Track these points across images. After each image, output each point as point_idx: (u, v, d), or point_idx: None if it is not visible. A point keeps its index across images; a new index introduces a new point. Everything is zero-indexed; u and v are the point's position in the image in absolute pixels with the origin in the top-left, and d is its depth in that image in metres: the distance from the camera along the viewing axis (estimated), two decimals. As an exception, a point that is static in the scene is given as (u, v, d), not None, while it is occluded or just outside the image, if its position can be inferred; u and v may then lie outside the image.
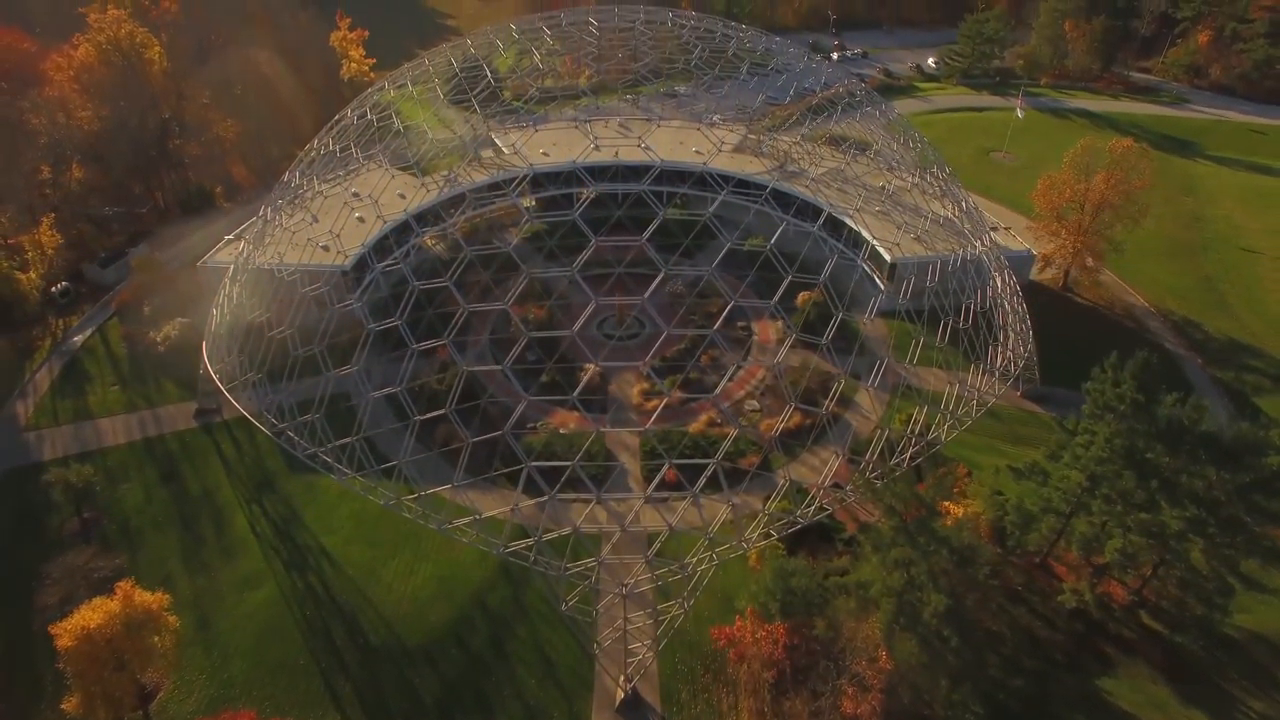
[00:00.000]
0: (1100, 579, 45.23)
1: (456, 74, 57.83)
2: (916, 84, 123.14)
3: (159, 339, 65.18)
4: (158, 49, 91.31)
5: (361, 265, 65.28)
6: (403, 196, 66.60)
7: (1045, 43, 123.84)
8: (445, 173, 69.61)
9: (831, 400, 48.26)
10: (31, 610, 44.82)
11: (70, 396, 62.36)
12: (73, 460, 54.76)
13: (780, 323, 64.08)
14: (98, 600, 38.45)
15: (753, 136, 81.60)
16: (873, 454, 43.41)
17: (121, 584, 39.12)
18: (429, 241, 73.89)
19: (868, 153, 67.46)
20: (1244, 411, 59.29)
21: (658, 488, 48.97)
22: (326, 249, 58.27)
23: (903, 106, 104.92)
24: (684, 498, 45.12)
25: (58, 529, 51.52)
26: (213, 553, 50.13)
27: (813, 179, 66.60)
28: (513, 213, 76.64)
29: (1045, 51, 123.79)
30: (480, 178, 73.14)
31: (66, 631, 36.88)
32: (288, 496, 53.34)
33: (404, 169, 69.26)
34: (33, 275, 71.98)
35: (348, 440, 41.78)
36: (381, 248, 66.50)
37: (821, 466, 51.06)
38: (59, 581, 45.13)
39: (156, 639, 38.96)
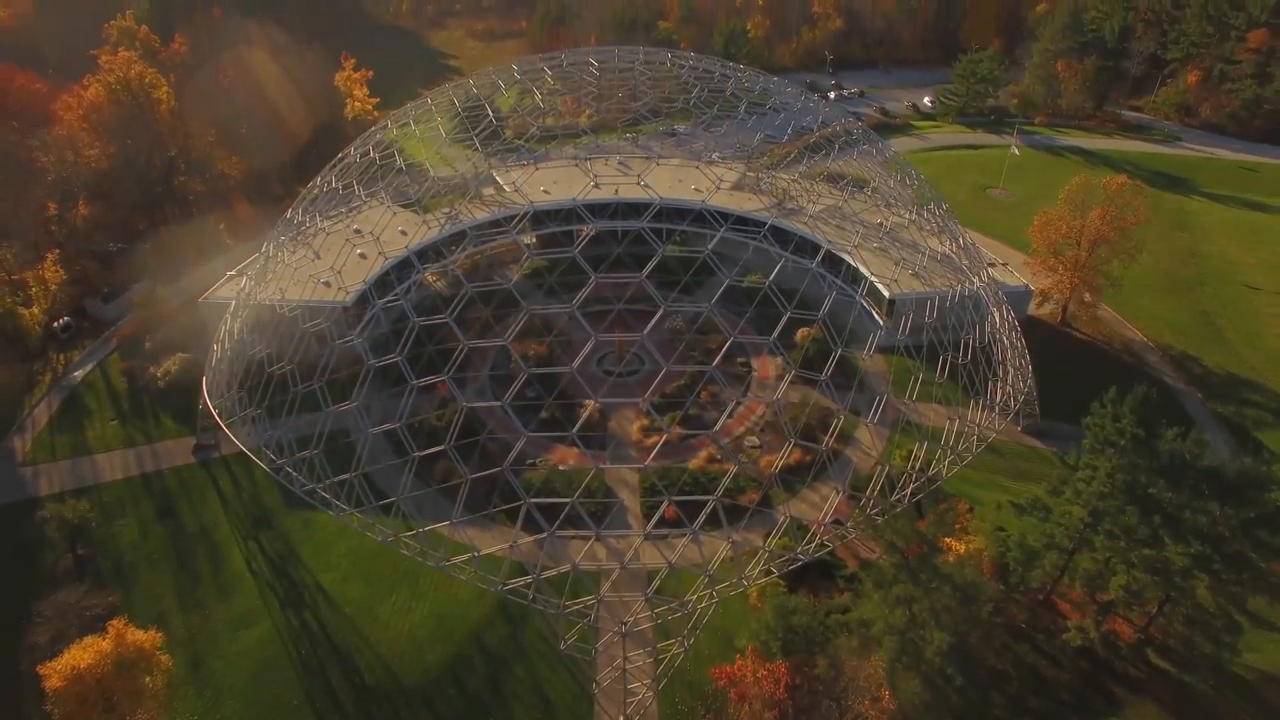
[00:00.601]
0: (1105, 616, 44.65)
1: (459, 113, 58.75)
2: (913, 122, 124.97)
3: (159, 374, 65.27)
4: (166, 88, 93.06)
5: (362, 301, 65.63)
6: (404, 233, 67.22)
7: (1038, 82, 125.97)
8: (447, 210, 70.39)
9: (831, 436, 48.16)
10: (20, 649, 44.08)
11: (68, 431, 62.22)
12: (69, 496, 54.54)
13: (779, 359, 64.16)
14: (89, 639, 37.94)
15: (751, 174, 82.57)
16: (873, 490, 43.20)
17: (114, 622, 38.66)
18: (430, 278, 74.40)
19: (865, 190, 68.19)
20: (1246, 446, 59.10)
21: (657, 525, 48.66)
22: (328, 285, 58.68)
23: (899, 144, 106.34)
24: (684, 535, 44.88)
25: (51, 566, 51.04)
26: (208, 590, 49.60)
27: (811, 216, 67.22)
28: (513, 250, 77.24)
29: (1039, 91, 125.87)
30: (481, 215, 73.90)
31: (56, 672, 36.31)
32: (285, 533, 52.94)
33: (406, 206, 70.05)
34: (35, 311, 72.38)
35: (346, 476, 41.62)
36: (383, 284, 66.93)
37: (822, 503, 50.76)
38: (50, 620, 44.48)
39: (148, 679, 38.36)
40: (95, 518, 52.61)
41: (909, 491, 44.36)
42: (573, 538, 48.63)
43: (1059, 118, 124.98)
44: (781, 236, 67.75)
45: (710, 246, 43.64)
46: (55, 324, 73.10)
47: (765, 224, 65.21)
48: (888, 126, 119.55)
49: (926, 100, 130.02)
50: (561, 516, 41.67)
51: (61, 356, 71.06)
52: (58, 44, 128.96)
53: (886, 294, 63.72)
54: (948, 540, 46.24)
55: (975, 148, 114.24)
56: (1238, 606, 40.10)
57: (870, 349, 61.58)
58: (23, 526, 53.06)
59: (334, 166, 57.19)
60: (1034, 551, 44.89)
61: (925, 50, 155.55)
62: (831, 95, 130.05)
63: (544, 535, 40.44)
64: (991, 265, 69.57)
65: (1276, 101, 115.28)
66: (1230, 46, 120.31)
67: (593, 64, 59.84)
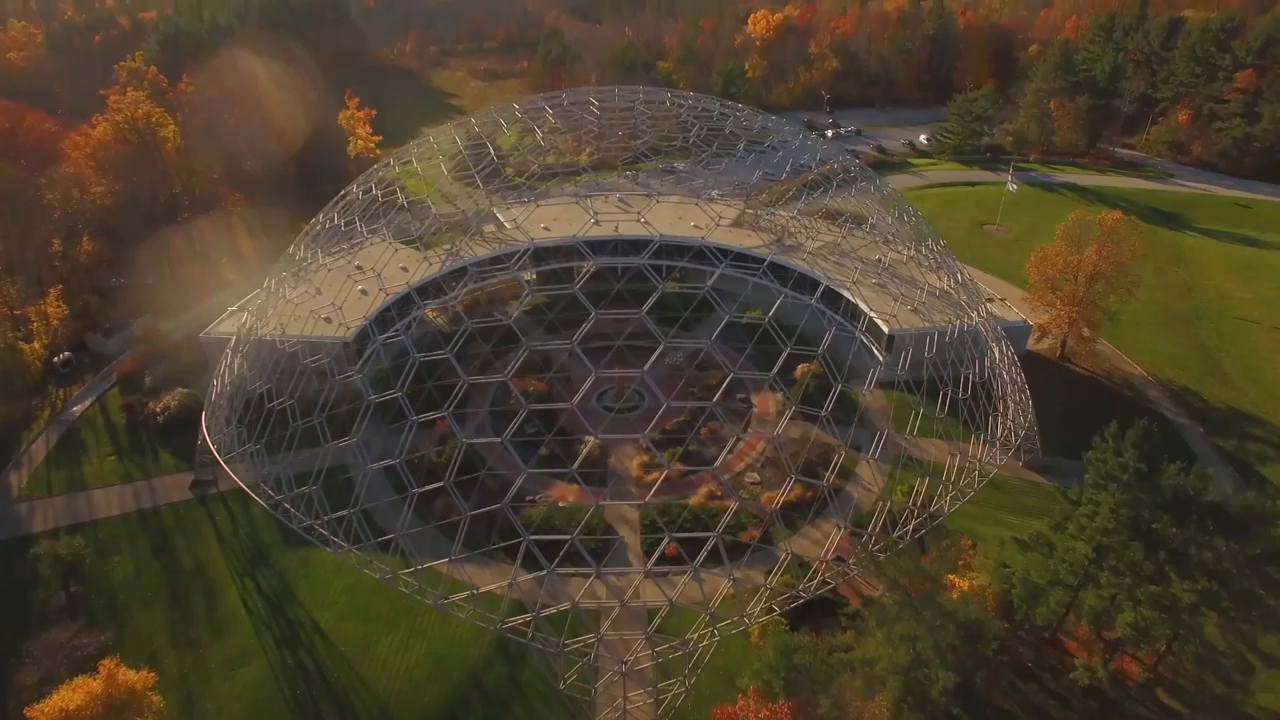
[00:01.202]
0: (1113, 655, 44.02)
1: (461, 151, 59.56)
2: (910, 160, 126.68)
3: (158, 409, 65.15)
4: (172, 127, 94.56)
5: (363, 337, 65.79)
6: (405, 270, 67.62)
7: (1032, 120, 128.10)
8: (448, 246, 70.87)
9: (832, 472, 47.96)
10: (8, 691, 43.35)
11: (65, 467, 61.89)
12: (64, 532, 54.09)
13: (780, 395, 64.13)
14: (79, 680, 37.39)
15: (750, 211, 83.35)
16: (875, 526, 42.89)
17: (105, 662, 38.11)
18: (430, 314, 74.69)
19: (864, 226, 68.80)
20: (1249, 481, 58.82)
21: (658, 562, 48.15)
22: (329, 321, 58.94)
23: (896, 182, 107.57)
24: (684, 572, 44.38)
25: (42, 604, 50.34)
26: (202, 629, 48.90)
27: (810, 252, 67.67)
28: (514, 286, 77.66)
29: (1033, 129, 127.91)
30: (482, 252, 74.43)
31: (44, 714, 35.71)
32: (281, 570, 52.36)
33: (407, 243, 70.61)
34: (36, 346, 72.49)
35: (344, 513, 41.34)
36: (383, 320, 67.14)
37: (823, 540, 50.30)
38: (39, 660, 43.74)
39: (139, 721, 37.68)
40: (89, 554, 52.09)
41: (911, 528, 44.04)
42: (572, 575, 48.11)
43: (1053, 155, 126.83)
44: (780, 273, 68.11)
45: (710, 283, 43.91)
46: (56, 359, 73.18)
47: (764, 260, 65.63)
48: (885, 164, 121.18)
49: (923, 138, 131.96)
50: (561, 554, 41.29)
51: (61, 391, 71.01)
52: (69, 85, 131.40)
53: (886, 329, 63.84)
54: (951, 577, 45.78)
55: (972, 184, 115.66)
56: (1248, 645, 39.52)
57: (870, 384, 61.63)
58: (15, 564, 52.51)
59: (337, 203, 57.82)
60: (1038, 588, 44.39)
61: (920, 90, 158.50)
62: (829, 133, 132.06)
63: (543, 573, 40.04)
64: (990, 300, 69.90)
65: (1266, 140, 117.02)
66: (1218, 86, 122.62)
67: (593, 103, 60.80)
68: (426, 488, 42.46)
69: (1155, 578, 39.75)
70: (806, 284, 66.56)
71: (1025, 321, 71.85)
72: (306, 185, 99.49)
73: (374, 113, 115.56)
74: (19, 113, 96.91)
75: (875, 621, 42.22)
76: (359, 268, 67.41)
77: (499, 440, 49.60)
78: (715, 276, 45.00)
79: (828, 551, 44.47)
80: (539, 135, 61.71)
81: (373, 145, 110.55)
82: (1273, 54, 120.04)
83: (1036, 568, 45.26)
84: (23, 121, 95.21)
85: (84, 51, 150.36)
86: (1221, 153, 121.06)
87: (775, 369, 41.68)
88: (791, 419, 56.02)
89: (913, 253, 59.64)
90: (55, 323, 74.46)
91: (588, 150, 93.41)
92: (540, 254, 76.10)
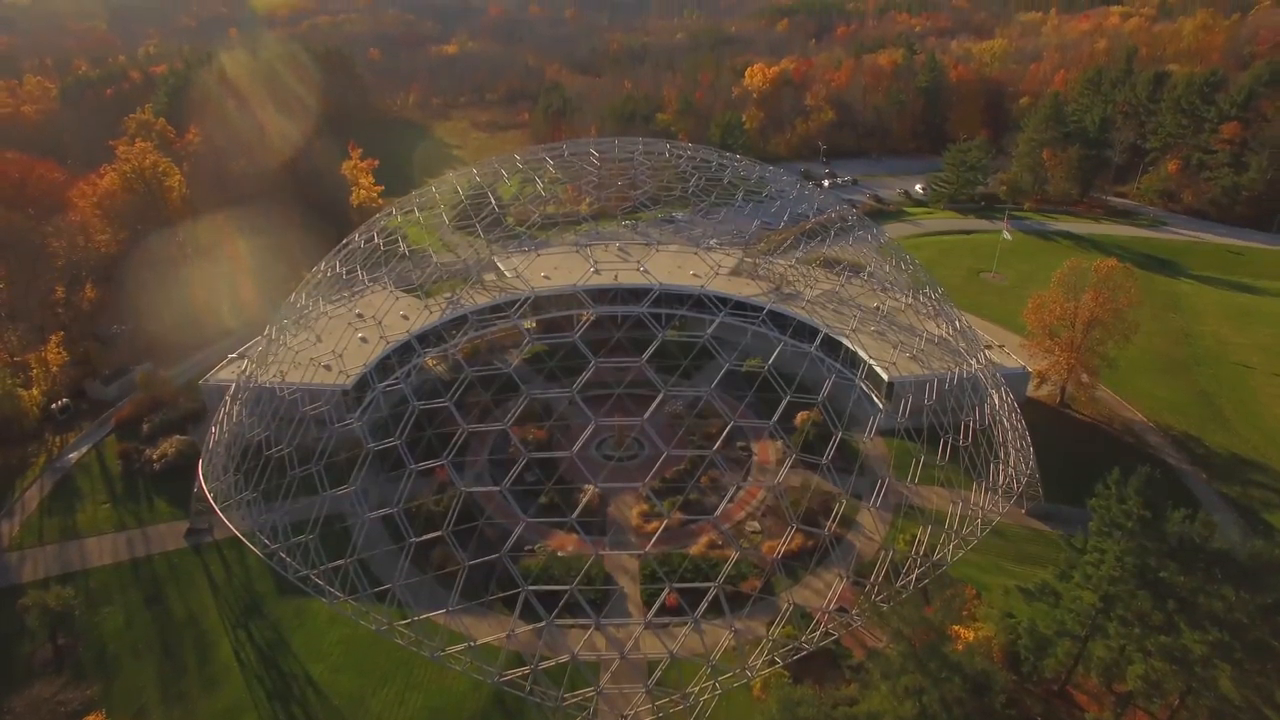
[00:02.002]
0: (1125, 708, 43.02)
1: (462, 200, 60.40)
2: (906, 209, 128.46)
3: (155, 457, 64.80)
4: (178, 177, 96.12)
5: (363, 385, 65.81)
6: (406, 318, 68.01)
7: (1025, 170, 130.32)
8: (448, 295, 71.40)
9: (833, 521, 47.59)
10: (-9, 749, 42.37)
11: (59, 515, 61.30)
12: (54, 582, 53.28)
13: (780, 443, 63.92)
14: (64, 737, 36.51)
15: (749, 260, 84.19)
16: (877, 576, 42.37)
17: (90, 718, 37.21)
18: (430, 362, 74.84)
19: (862, 275, 69.37)
20: (1255, 527, 58.26)
21: (658, 613, 47.38)
22: (329, 368, 59.05)
23: (893, 230, 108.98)
24: (685, 623, 43.67)
25: (28, 657, 49.31)
26: (193, 682, 47.83)
27: (809, 300, 68.16)
28: (514, 334, 77.99)
29: (1026, 178, 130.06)
30: (482, 300, 74.93)
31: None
32: (276, 621, 51.46)
33: (408, 291, 71.11)
34: (35, 392, 72.45)
35: (341, 562, 40.83)
36: (383, 368, 67.26)
37: (825, 590, 49.62)
38: (21, 717, 42.70)
39: (124, 780, 36.66)
40: (79, 605, 51.22)
41: (914, 577, 43.50)
42: (571, 627, 47.27)
43: (1047, 204, 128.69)
44: (780, 321, 68.49)
45: (709, 331, 44.13)
46: (54, 406, 73.04)
47: (763, 309, 66.10)
48: (881, 213, 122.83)
49: (918, 187, 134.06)
50: (560, 604, 40.68)
51: (58, 438, 70.72)
52: (80, 136, 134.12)
53: (885, 377, 63.95)
54: (956, 628, 45.03)
55: (968, 233, 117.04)
56: (1265, 699, 38.63)
57: (870, 432, 61.50)
58: (2, 615, 51.59)
59: (338, 252, 58.42)
60: (1046, 639, 43.63)
61: (915, 140, 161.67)
62: (826, 183, 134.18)
63: (542, 624, 39.39)
64: (988, 347, 70.17)
65: (1255, 189, 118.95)
66: (1205, 137, 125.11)
67: (593, 154, 61.89)
68: (424, 537, 42.08)
69: (1165, 628, 39.08)
70: (806, 332, 66.88)
71: (1024, 368, 72.01)
72: (309, 234, 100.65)
73: (376, 163, 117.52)
74: (29, 164, 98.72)
75: (879, 673, 41.44)
76: (360, 315, 67.85)
77: (498, 489, 49.33)
78: (715, 325, 45.23)
79: (830, 602, 43.84)
80: (540, 185, 62.73)
81: (375, 195, 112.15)
82: (1256, 107, 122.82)
83: (1043, 618, 44.55)
84: (32, 172, 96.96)
85: (96, 104, 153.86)
86: (1212, 201, 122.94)
87: (775, 417, 41.64)
88: (792, 467, 55.77)
89: (911, 300, 60.09)
90: (55, 369, 74.57)
91: (588, 200, 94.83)
92: (540, 302, 76.59)
